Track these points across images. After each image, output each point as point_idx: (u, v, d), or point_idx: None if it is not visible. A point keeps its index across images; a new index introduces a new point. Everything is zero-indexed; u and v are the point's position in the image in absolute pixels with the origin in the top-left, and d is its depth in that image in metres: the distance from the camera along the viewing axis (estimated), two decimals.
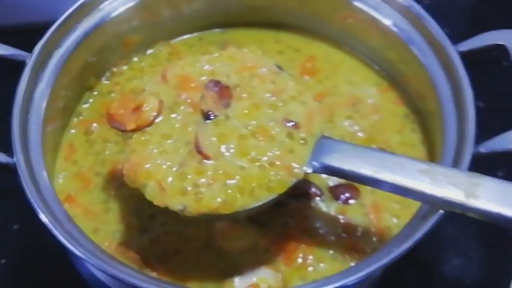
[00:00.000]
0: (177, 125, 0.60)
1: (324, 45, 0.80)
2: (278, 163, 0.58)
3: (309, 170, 0.58)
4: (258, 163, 0.57)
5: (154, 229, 0.66)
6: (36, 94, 0.68)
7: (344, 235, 0.66)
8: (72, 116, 0.75)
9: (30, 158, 0.63)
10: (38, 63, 0.69)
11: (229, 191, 0.56)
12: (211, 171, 0.57)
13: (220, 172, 0.57)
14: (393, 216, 0.67)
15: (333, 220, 0.67)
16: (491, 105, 0.86)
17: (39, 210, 0.58)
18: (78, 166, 0.71)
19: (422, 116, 0.73)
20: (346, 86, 0.77)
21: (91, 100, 0.77)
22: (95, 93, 0.78)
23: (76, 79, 0.74)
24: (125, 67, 0.79)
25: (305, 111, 0.61)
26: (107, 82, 0.79)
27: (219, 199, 0.56)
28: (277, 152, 0.58)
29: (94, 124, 0.75)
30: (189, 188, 0.56)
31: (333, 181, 0.69)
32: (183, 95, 0.62)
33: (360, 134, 0.73)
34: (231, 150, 0.58)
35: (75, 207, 0.68)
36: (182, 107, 0.61)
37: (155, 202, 0.57)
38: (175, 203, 0.57)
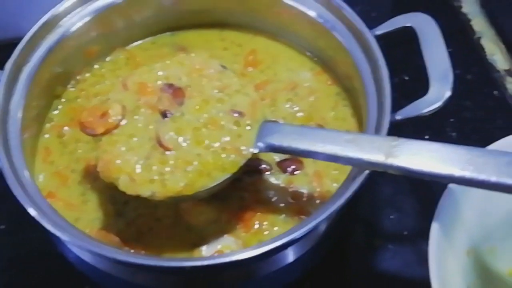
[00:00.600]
0: (139, 125, 0.67)
1: (263, 38, 0.85)
2: (228, 147, 0.64)
3: (256, 150, 0.65)
4: (212, 149, 0.64)
5: (129, 213, 0.71)
6: (12, 106, 0.72)
7: (292, 201, 0.72)
8: (45, 122, 0.79)
9: (13, 162, 0.67)
10: (11, 78, 0.73)
11: (190, 175, 0.62)
12: (172, 160, 0.63)
13: (180, 160, 0.63)
14: (333, 181, 0.73)
15: (282, 190, 0.72)
16: (414, 77, 0.96)
17: (27, 205, 0.62)
18: (55, 166, 0.75)
19: (351, 93, 0.78)
20: (285, 73, 0.82)
21: (60, 106, 0.81)
22: (63, 100, 0.82)
23: (45, 89, 0.78)
24: (87, 74, 0.84)
25: (248, 101, 0.68)
26: (73, 89, 0.82)
27: (181, 183, 0.62)
28: (227, 138, 0.65)
29: (66, 128, 0.79)
30: (155, 177, 0.63)
31: (279, 156, 0.74)
32: (142, 99, 0.68)
33: (300, 114, 0.78)
34: (188, 141, 0.64)
35: (57, 202, 0.71)
36: (142, 110, 0.67)
37: (128, 192, 0.63)
38: (145, 191, 0.63)
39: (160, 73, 0.70)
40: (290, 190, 0.73)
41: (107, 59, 0.85)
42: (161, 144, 0.65)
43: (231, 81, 0.69)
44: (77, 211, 0.71)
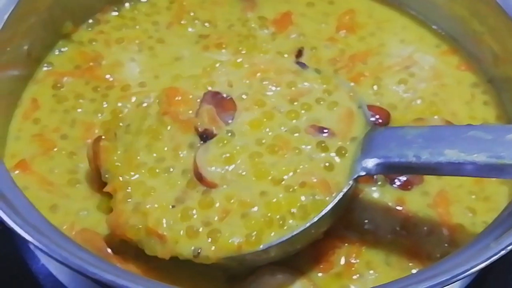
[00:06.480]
0: (165, 149, 0.49)
1: None
2: (311, 180, 0.46)
3: (362, 173, 0.47)
4: (283, 185, 0.46)
5: None
6: None
7: (402, 232, 0.51)
8: (40, 66, 0.63)
9: None
10: None
11: (252, 223, 0.45)
12: (219, 202, 0.46)
13: (233, 201, 0.46)
14: (468, 210, 0.53)
15: (387, 211, 0.52)
16: None
17: None
18: (40, 126, 0.59)
19: (498, 85, 0.60)
20: (396, 46, 0.65)
21: (65, 49, 0.64)
22: (72, 41, 0.65)
23: (45, 20, 0.62)
24: (113, 14, 0.67)
25: (340, 113, 0.50)
26: (89, 29, 0.65)
27: (238, 236, 0.44)
28: (306, 166, 0.47)
29: (66, 78, 0.62)
30: (200, 229, 0.45)
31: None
32: (169, 111, 0.51)
33: (417, 101, 0.59)
34: (244, 172, 0.47)
35: (29, 176, 0.54)
36: (169, 127, 0.50)
37: (162, 255, 0.45)
38: (185, 249, 0.45)
39: (204, 80, 0.53)
40: (400, 213, 0.52)
41: None
42: (200, 178, 0.47)
43: (310, 86, 0.52)
44: (56, 195, 0.54)
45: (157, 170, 0.48)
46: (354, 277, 0.48)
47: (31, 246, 0.51)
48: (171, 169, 0.49)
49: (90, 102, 0.59)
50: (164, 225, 0.46)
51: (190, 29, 0.64)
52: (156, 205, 0.47)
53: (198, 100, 0.52)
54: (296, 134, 0.49)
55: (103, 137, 0.52)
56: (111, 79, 0.60)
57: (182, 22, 0.64)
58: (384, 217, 0.51)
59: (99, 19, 0.66)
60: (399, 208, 0.52)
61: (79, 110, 0.59)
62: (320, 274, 0.49)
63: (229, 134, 0.50)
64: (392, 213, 0.52)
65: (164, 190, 0.48)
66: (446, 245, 0.50)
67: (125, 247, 0.50)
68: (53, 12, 0.62)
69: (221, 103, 0.52)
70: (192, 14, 0.65)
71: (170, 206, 0.47)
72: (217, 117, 0.51)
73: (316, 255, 0.50)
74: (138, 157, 0.49)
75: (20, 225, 0.43)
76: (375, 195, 0.53)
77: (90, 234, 0.50)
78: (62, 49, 0.64)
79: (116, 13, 0.67)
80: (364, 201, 0.52)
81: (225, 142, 0.49)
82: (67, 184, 0.54)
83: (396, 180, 0.53)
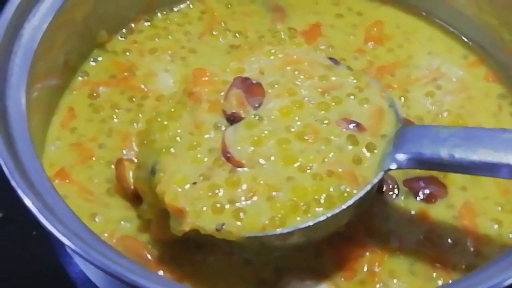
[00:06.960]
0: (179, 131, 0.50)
1: (392, 9, 0.68)
2: (338, 170, 0.47)
3: (393, 166, 0.47)
4: (310, 172, 0.47)
5: None
6: (26, 31, 0.54)
7: (426, 242, 0.52)
8: (75, 75, 0.63)
9: (7, 117, 0.49)
10: None
11: (277, 205, 0.46)
12: (246, 183, 0.47)
13: (259, 183, 0.47)
14: (494, 222, 0.53)
15: (411, 221, 0.53)
16: None
17: (16, 185, 0.45)
18: (77, 135, 0.59)
19: None
20: (424, 58, 0.65)
21: (100, 58, 0.65)
22: (107, 50, 0.65)
23: (81, 30, 0.62)
24: (146, 24, 0.67)
25: (371, 110, 0.51)
26: (123, 39, 0.66)
27: (263, 217, 0.45)
28: (334, 157, 0.47)
29: (102, 87, 0.62)
30: (226, 206, 0.46)
31: (407, 173, 0.54)
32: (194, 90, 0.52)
33: (444, 114, 0.60)
34: (271, 157, 0.48)
35: (69, 185, 0.55)
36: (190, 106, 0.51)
37: (183, 227, 0.45)
38: (207, 223, 0.45)
39: (234, 65, 0.54)
40: (424, 224, 0.53)
41: (175, 8, 0.69)
42: (228, 157, 0.48)
43: (342, 81, 0.53)
44: (96, 204, 0.54)
45: (172, 150, 0.48)
46: (378, 286, 0.49)
47: (70, 251, 0.52)
48: (197, 147, 0.49)
49: (126, 112, 0.59)
50: (184, 200, 0.46)
51: (221, 40, 0.64)
52: (174, 181, 0.47)
53: (228, 85, 0.52)
54: (326, 125, 0.50)
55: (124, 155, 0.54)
56: (145, 89, 0.61)
57: (214, 32, 0.64)
58: (408, 227, 0.52)
59: (132, 28, 0.66)
60: (423, 219, 0.52)
61: (115, 119, 0.59)
62: (343, 280, 0.49)
63: (257, 118, 0.50)
64: (416, 223, 0.52)
65: (188, 167, 0.48)
66: (472, 256, 0.50)
67: (161, 251, 0.51)
68: (88, 22, 0.63)
69: (250, 88, 0.52)
70: (223, 24, 0.65)
71: (191, 183, 0.47)
72: (245, 101, 0.52)
73: (340, 262, 0.50)
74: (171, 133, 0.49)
75: (62, 232, 0.43)
76: (398, 206, 0.53)
77: (131, 241, 0.51)
78: (98, 59, 0.64)
79: (149, 23, 0.67)
80: (387, 211, 0.53)
81: (254, 125, 0.50)
82: (106, 193, 0.54)
83: (420, 193, 0.53)
